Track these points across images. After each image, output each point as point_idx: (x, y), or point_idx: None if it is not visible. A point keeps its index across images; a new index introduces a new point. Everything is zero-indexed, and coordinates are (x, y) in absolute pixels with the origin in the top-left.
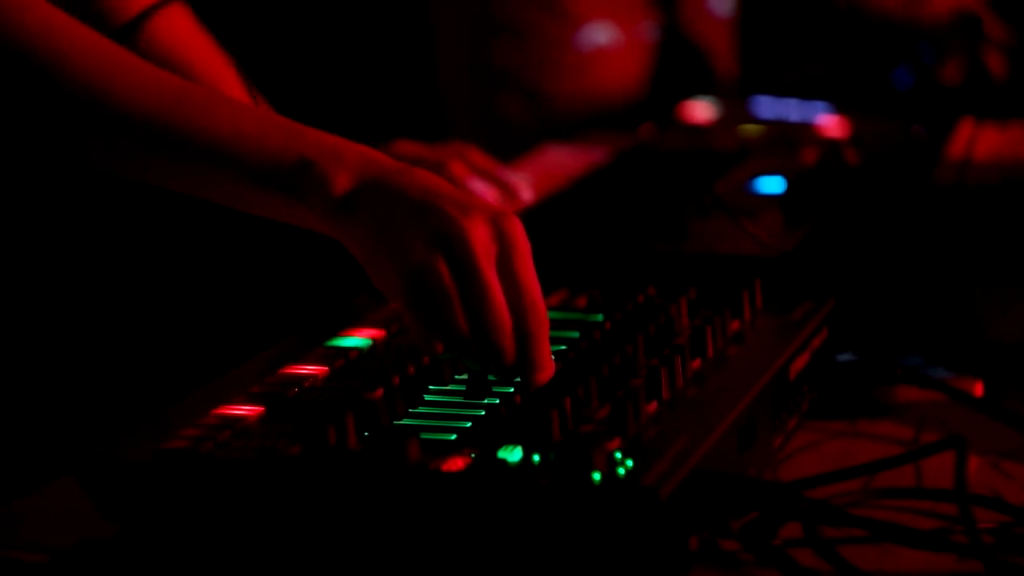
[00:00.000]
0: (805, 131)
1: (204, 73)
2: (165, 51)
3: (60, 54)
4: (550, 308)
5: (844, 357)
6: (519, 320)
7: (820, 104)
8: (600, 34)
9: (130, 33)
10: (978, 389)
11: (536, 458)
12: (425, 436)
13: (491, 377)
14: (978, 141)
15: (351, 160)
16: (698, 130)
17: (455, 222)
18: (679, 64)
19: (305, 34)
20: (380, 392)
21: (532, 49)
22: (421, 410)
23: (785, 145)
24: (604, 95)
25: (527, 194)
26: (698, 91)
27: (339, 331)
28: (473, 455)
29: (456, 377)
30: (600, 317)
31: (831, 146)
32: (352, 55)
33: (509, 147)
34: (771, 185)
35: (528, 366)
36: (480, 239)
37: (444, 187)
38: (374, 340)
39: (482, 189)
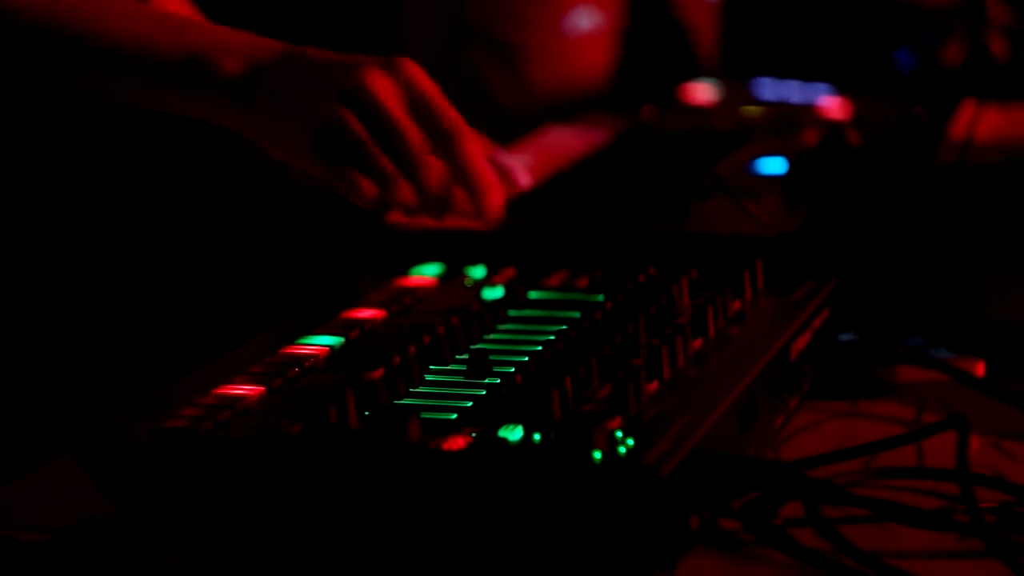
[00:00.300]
0: (807, 113)
1: None
2: None
3: None
4: (552, 288)
5: (845, 337)
6: (448, 152)
7: (822, 86)
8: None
9: None
10: (980, 369)
11: (537, 437)
12: (426, 416)
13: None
14: (980, 122)
15: (239, 47)
16: (699, 111)
17: (353, 76)
18: (663, 46)
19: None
20: (381, 372)
21: (504, 5)
22: (422, 390)
23: (786, 126)
24: (583, 72)
25: (525, 179)
26: (685, 73)
27: (340, 311)
28: (474, 434)
29: (457, 357)
30: (601, 297)
31: (833, 127)
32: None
33: (493, 125)
34: (772, 166)
35: (474, 193)
36: (382, 85)
37: (333, 55)
38: (374, 320)
39: None
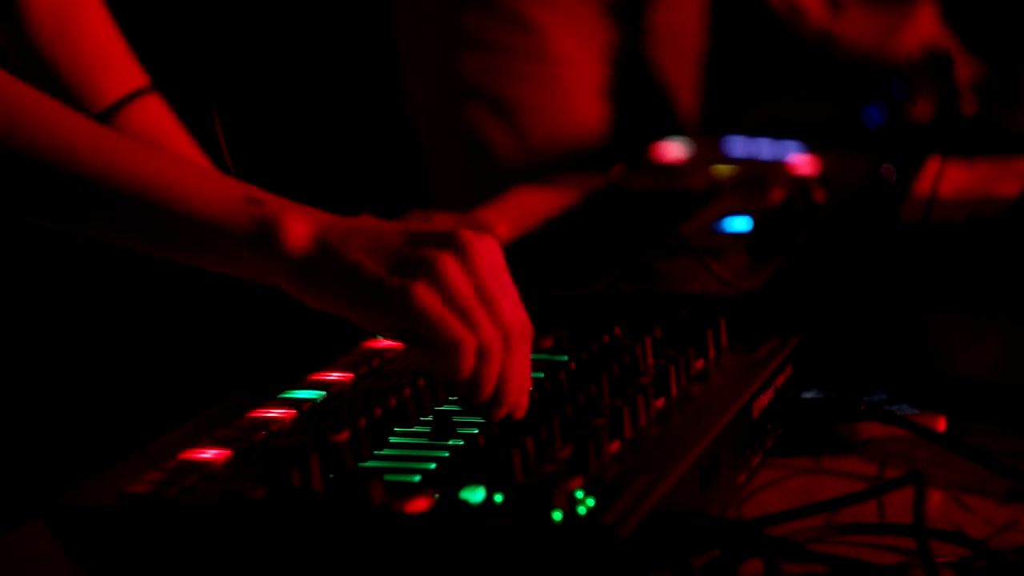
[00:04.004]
0: (776, 170)
1: None
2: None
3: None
4: None
5: (809, 394)
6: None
7: (792, 143)
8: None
9: (104, 122)
10: (941, 425)
11: (498, 498)
12: (389, 478)
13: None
14: (945, 178)
15: (303, 217)
16: (670, 170)
17: (425, 260)
18: (644, 103)
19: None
20: (346, 434)
21: (500, 62)
22: (386, 452)
23: (755, 184)
24: (571, 128)
25: (503, 232)
26: (663, 131)
27: (308, 374)
28: (436, 496)
29: (421, 419)
30: (565, 357)
31: (799, 185)
32: (320, 81)
33: (487, 180)
34: (738, 224)
35: (507, 394)
36: (454, 274)
37: (398, 228)
38: (340, 384)
39: None
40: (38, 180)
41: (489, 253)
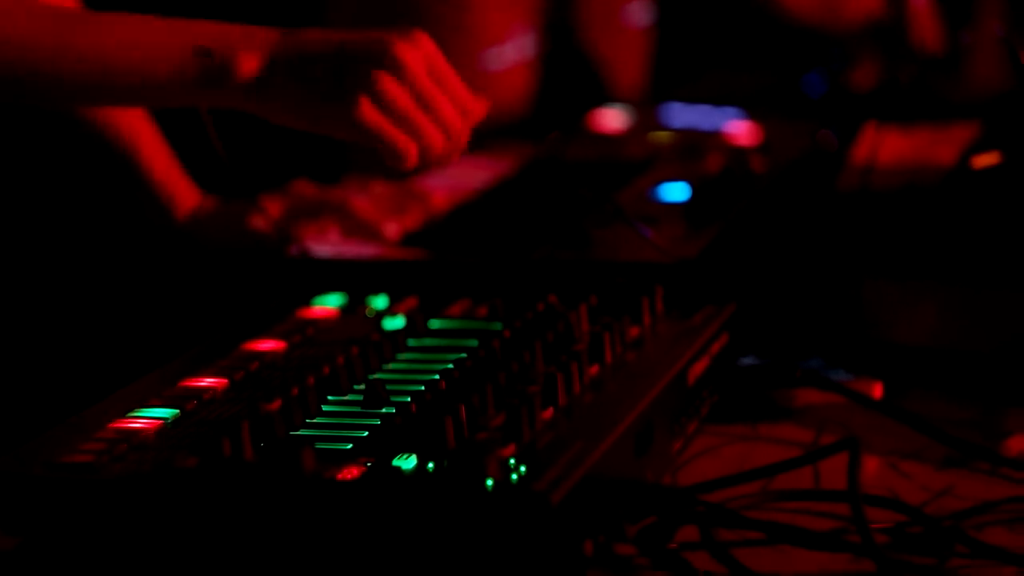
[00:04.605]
0: (714, 138)
1: None
2: None
3: None
4: (453, 317)
5: (746, 361)
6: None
7: (731, 111)
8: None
9: None
10: (877, 391)
11: (430, 466)
12: (321, 446)
13: None
14: (883, 146)
15: (247, 43)
16: (607, 138)
17: (383, 49)
18: (578, 73)
19: None
20: (278, 403)
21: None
22: (320, 420)
23: (692, 152)
24: (504, 99)
25: (440, 200)
26: (600, 100)
27: (241, 342)
28: (368, 464)
29: (355, 387)
30: (500, 326)
31: (737, 153)
32: None
33: None
34: (675, 192)
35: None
36: (411, 56)
37: (343, 34)
38: (275, 351)
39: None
40: None
41: (422, 56)
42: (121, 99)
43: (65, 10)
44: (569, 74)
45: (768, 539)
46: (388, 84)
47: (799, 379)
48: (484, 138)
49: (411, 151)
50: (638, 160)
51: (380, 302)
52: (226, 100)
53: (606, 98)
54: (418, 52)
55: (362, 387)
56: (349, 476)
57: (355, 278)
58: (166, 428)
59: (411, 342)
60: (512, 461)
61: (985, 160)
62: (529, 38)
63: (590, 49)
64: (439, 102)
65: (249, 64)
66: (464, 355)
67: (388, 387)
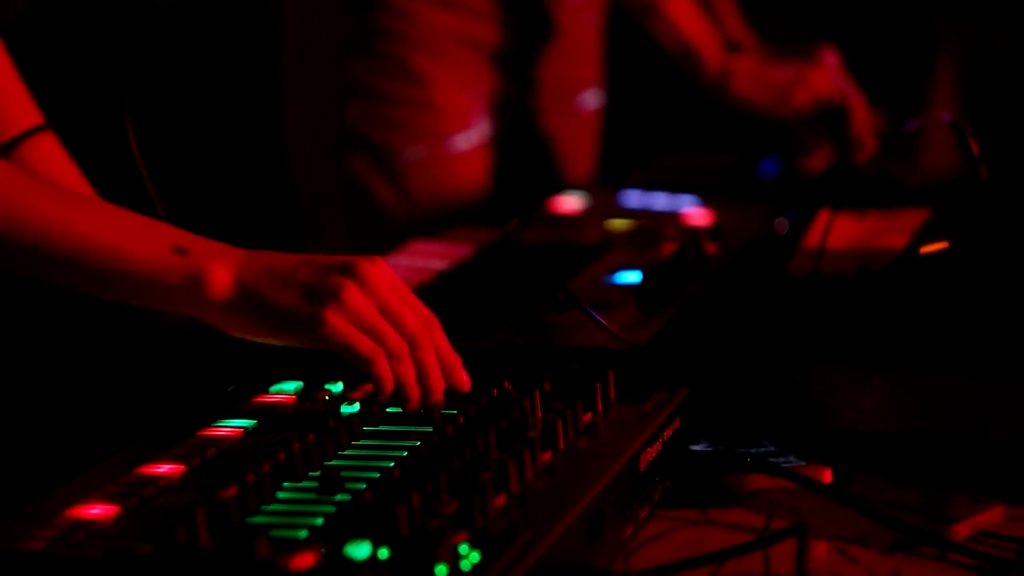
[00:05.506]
0: (669, 222)
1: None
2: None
3: None
4: None
5: (697, 446)
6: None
7: (688, 196)
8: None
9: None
10: (827, 476)
11: (383, 553)
12: (276, 533)
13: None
14: (834, 230)
15: (223, 261)
16: (563, 222)
17: (332, 288)
18: (533, 156)
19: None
20: (234, 490)
21: (384, 111)
22: (275, 507)
23: (647, 237)
24: (464, 182)
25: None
26: (558, 184)
27: (197, 430)
28: (322, 551)
29: (311, 474)
30: (454, 412)
31: (690, 237)
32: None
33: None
34: (628, 277)
35: (450, 372)
36: (357, 299)
37: (303, 260)
38: (232, 436)
39: None
40: None
41: (384, 275)
42: (93, 288)
43: (41, 186)
44: (525, 157)
45: None
46: (354, 294)
47: (749, 465)
48: (444, 222)
49: (378, 354)
50: (592, 245)
51: (336, 388)
52: (199, 310)
53: (560, 181)
54: (381, 270)
55: (317, 473)
56: (303, 565)
57: (311, 364)
58: (123, 515)
59: (367, 428)
60: (464, 549)
61: (933, 247)
62: (488, 120)
63: (543, 131)
64: (401, 312)
65: (221, 276)
66: (418, 442)
67: (343, 474)
